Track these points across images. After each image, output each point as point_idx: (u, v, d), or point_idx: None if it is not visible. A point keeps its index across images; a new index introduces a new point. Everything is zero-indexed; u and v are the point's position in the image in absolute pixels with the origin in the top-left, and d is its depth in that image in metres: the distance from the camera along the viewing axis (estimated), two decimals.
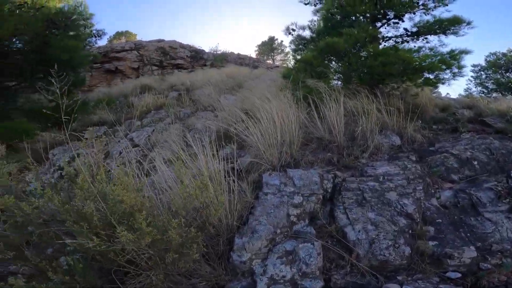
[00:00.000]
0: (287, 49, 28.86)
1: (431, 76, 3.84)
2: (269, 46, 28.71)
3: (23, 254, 1.60)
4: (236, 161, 3.08)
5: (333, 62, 4.77)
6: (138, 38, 18.46)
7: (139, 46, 13.83)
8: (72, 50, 5.84)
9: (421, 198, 2.22)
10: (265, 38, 29.73)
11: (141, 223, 1.29)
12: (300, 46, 6.15)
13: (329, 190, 2.30)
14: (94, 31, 7.60)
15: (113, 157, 4.16)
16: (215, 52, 17.66)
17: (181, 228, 1.52)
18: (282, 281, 1.68)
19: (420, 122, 3.61)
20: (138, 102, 5.68)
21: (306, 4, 5.80)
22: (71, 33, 6.11)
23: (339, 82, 4.65)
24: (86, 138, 4.79)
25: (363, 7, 4.16)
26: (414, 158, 2.77)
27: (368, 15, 4.40)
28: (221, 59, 16.17)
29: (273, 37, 28.93)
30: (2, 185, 2.53)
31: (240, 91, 6.43)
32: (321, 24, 5.36)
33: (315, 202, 2.15)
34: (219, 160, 2.69)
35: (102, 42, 15.09)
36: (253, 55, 24.15)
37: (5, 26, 4.98)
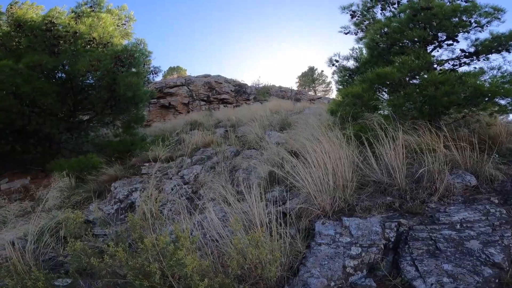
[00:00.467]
0: (329, 79, 28.91)
1: (504, 102, 3.38)
2: (309, 77, 29.09)
3: None
4: (284, 204, 3.02)
5: (385, 94, 4.52)
6: (188, 73, 20.29)
7: (188, 82, 15.18)
8: (135, 88, 6.47)
9: (510, 245, 1.92)
10: (305, 69, 30.25)
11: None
12: (346, 77, 6.00)
13: (392, 240, 2.13)
14: (151, 68, 8.33)
15: (165, 192, 4.39)
16: (257, 86, 18.51)
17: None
18: None
19: (497, 156, 3.15)
20: (189, 139, 6.09)
21: (346, 33, 5.82)
22: (134, 70, 6.78)
23: (394, 116, 4.35)
24: (144, 174, 5.23)
25: (412, 33, 3.96)
26: (496, 201, 2.43)
27: (417, 39, 4.16)
28: (263, 93, 16.84)
29: (313, 67, 29.35)
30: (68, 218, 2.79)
31: (284, 127, 6.53)
32: (366, 54, 5.23)
33: (375, 253, 2.01)
34: (266, 203, 2.66)
35: (157, 77, 16.93)
36: (294, 87, 24.62)
37: (81, 62, 5.83)
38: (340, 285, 1.83)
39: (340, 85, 6.00)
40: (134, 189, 4.53)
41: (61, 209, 4.03)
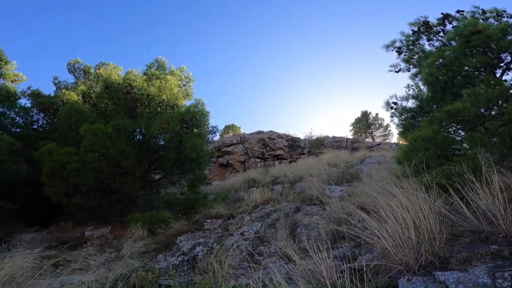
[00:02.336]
0: (386, 122, 27.31)
1: None
2: (364, 122, 27.97)
3: None
4: (355, 260, 2.72)
5: (460, 132, 4.02)
6: (242, 130, 21.52)
7: (243, 139, 16.14)
8: (199, 149, 6.87)
9: None
10: (358, 114, 29.41)
11: None
12: (408, 120, 5.57)
13: None
14: (210, 128, 8.80)
15: (226, 248, 4.41)
16: (310, 138, 18.59)
17: None
18: None
19: None
20: (247, 197, 6.22)
21: (397, 72, 5.58)
22: (196, 131, 7.15)
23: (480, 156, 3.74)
24: (206, 229, 5.40)
25: (472, 60, 3.63)
26: None
27: (480, 66, 3.76)
28: (317, 145, 16.78)
29: (366, 111, 28.35)
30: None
31: (345, 180, 6.23)
32: (426, 90, 4.90)
33: None
34: (333, 260, 2.43)
35: (215, 137, 18.37)
36: (349, 135, 23.93)
37: (154, 125, 6.57)
38: None
39: (401, 128, 5.63)
40: (197, 243, 4.69)
41: (134, 258, 4.34)
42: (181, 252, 4.54)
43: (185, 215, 6.31)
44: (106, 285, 2.80)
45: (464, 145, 3.81)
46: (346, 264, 2.22)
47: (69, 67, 10.01)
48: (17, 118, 8.42)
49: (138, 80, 7.40)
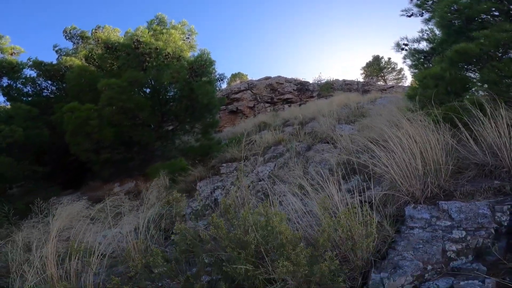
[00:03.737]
0: (399, 66, 25.97)
1: None
2: (376, 66, 26.68)
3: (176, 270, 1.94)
4: (364, 192, 2.91)
5: (471, 72, 3.95)
6: (249, 77, 20.98)
7: (251, 86, 15.84)
8: (210, 96, 7.14)
9: None
10: (369, 59, 27.80)
11: (298, 255, 1.39)
12: (421, 60, 5.45)
13: (505, 224, 1.85)
14: (217, 76, 8.89)
15: (243, 189, 4.71)
16: (319, 82, 18.01)
17: (331, 261, 1.54)
18: None
19: None
20: (259, 139, 6.37)
21: (409, 16, 5.35)
22: (204, 79, 7.41)
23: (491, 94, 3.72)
24: (223, 173, 5.73)
25: (485, 6, 3.40)
26: None
27: (498, 13, 3.60)
28: (327, 88, 16.30)
29: (378, 55, 26.79)
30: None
31: (356, 119, 6.21)
32: (440, 34, 4.66)
33: (484, 237, 1.78)
34: (345, 192, 2.60)
35: (223, 85, 18.06)
36: (360, 78, 23.00)
37: (165, 75, 6.69)
38: (439, 269, 1.67)
39: (415, 69, 5.55)
40: (216, 187, 5.01)
41: (160, 205, 4.76)
42: (202, 197, 4.89)
43: (201, 162, 6.63)
44: (139, 229, 3.12)
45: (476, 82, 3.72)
46: (357, 196, 2.37)
47: (66, 34, 10.11)
48: (25, 88, 8.59)
49: (145, 36, 7.50)
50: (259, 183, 4.71)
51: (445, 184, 2.50)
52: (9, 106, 8.09)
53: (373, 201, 2.40)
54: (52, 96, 8.92)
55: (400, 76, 25.80)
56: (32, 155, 7.18)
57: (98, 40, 8.50)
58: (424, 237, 1.83)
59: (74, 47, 10.17)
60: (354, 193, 2.65)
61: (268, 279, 1.65)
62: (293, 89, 15.95)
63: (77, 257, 2.33)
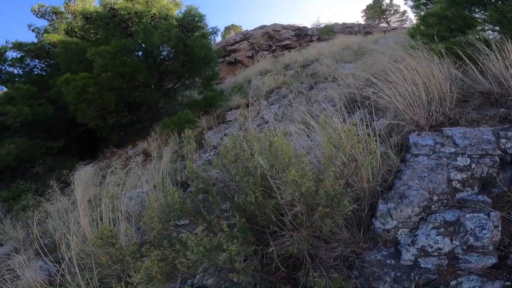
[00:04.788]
0: (403, 8, 23.97)
1: None
2: (377, 9, 24.61)
3: (201, 216, 2.00)
4: (370, 125, 2.95)
5: (475, 13, 3.73)
6: (244, 28, 19.76)
7: (247, 36, 14.91)
8: (206, 48, 6.94)
9: None
10: (369, 1, 25.48)
11: (303, 168, 1.44)
12: (423, 1, 5.07)
13: (510, 151, 1.78)
14: (209, 29, 8.54)
15: (249, 133, 4.78)
16: (318, 26, 16.89)
17: (335, 180, 1.52)
18: (436, 253, 1.46)
19: None
20: (261, 84, 6.23)
21: None
22: (196, 33, 7.17)
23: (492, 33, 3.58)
24: (229, 121, 5.75)
25: None
26: None
27: None
28: (327, 31, 15.28)
29: None
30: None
31: (358, 58, 5.95)
32: None
33: (489, 165, 1.72)
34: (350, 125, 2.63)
35: (218, 38, 17.05)
36: (361, 21, 21.43)
37: (155, 35, 6.40)
38: (445, 200, 1.64)
39: (417, 9, 5.18)
40: (224, 135, 5.07)
41: (173, 162, 4.87)
42: (212, 147, 4.93)
43: (206, 113, 6.61)
44: (157, 187, 3.17)
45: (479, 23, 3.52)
46: (359, 125, 2.38)
47: (36, 13, 9.78)
48: (15, 70, 8.56)
49: (119, 2, 7.00)
50: (265, 125, 4.76)
51: (449, 112, 2.43)
52: (4, 90, 8.05)
53: (377, 132, 2.43)
54: (44, 73, 8.87)
55: (403, 18, 24.02)
56: (42, 132, 7.30)
57: (75, 13, 8.17)
58: (429, 165, 1.78)
59: (50, 23, 9.88)
60: (359, 125, 2.69)
61: (277, 208, 1.63)
62: (291, 35, 14.97)
63: (109, 205, 2.39)
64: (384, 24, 21.46)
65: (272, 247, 1.57)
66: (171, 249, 1.46)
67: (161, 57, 7.55)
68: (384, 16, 24.54)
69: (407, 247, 1.53)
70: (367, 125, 2.80)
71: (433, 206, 1.64)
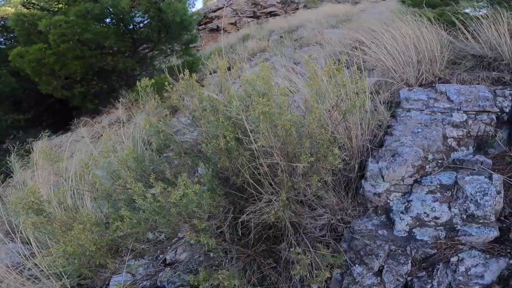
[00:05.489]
0: None
1: None
2: None
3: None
4: (357, 84, 2.76)
5: None
6: None
7: (230, 3, 13.92)
8: (182, 13, 6.42)
9: None
10: None
11: (280, 105, 1.17)
12: None
13: (507, 110, 1.63)
14: None
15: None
16: None
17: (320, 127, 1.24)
18: (433, 223, 1.29)
19: None
20: (244, 49, 5.78)
21: None
22: None
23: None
24: (210, 84, 5.35)
25: None
26: None
27: None
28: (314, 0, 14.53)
29: None
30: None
31: (345, 25, 5.62)
32: None
33: (486, 122, 1.57)
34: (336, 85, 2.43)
35: (198, 5, 15.79)
36: None
37: (123, 1, 5.77)
38: (440, 160, 1.46)
39: None
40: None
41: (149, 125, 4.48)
42: (191, 110, 4.59)
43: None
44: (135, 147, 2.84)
45: None
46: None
47: None
48: None
49: None
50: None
51: (440, 73, 2.33)
52: None
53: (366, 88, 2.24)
54: (3, 47, 8.23)
55: None
56: (8, 105, 6.89)
57: None
58: (422, 120, 1.60)
59: None
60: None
61: (255, 167, 1.33)
62: (277, 2, 14.09)
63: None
64: None
65: (246, 215, 1.31)
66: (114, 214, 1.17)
67: (134, 23, 6.91)
68: None
69: (401, 215, 1.36)
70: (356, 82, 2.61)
71: (427, 167, 1.46)
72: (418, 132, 1.55)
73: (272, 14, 13.28)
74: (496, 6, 2.69)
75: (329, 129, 1.37)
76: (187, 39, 7.23)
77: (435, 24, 2.69)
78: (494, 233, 1.22)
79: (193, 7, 10.50)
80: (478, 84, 2.05)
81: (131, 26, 6.79)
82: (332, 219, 1.47)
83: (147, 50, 7.47)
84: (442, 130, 1.54)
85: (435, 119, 1.59)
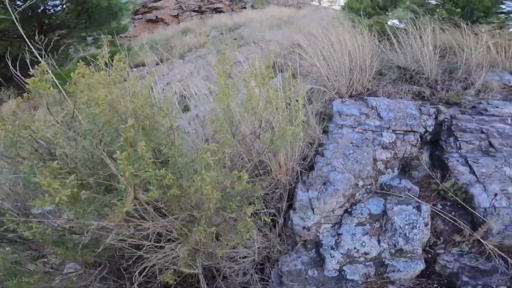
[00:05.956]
0: None
1: None
2: None
3: None
4: (291, 89, 2.52)
5: None
6: None
7: None
8: None
9: None
10: None
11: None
12: None
13: (431, 130, 1.57)
14: None
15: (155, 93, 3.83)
16: None
17: (222, 170, 0.87)
18: (362, 259, 1.17)
19: None
20: (179, 43, 5.15)
21: None
22: None
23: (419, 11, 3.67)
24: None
25: None
26: None
27: None
28: (261, 1, 14.48)
29: None
30: None
31: (288, 27, 5.47)
32: None
33: (412, 143, 1.47)
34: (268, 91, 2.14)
35: None
36: None
37: None
38: (369, 185, 1.32)
39: None
40: None
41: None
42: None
43: (106, 70, 5.19)
44: None
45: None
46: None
47: None
48: None
49: None
50: (177, 83, 3.86)
51: (368, 83, 2.25)
52: None
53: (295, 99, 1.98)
54: None
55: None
56: None
57: None
58: (354, 139, 1.43)
59: None
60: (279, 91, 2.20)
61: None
62: None
63: None
64: (315, 3, 22.10)
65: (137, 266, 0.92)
66: None
67: (47, 6, 5.63)
68: None
69: (331, 251, 1.19)
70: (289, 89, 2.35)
71: (357, 194, 1.30)
72: (350, 154, 1.37)
73: (218, 11, 12.71)
74: (423, 16, 2.76)
75: (254, 158, 0.99)
76: (115, 28, 6.18)
77: (369, 32, 2.65)
78: (421, 266, 1.15)
79: None
80: (402, 97, 2.01)
81: (40, 10, 5.47)
82: (256, 258, 1.20)
83: (58, 37, 6.17)
84: (372, 152, 1.39)
85: (366, 138, 1.44)
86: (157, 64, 4.42)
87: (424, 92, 2.12)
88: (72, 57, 6.05)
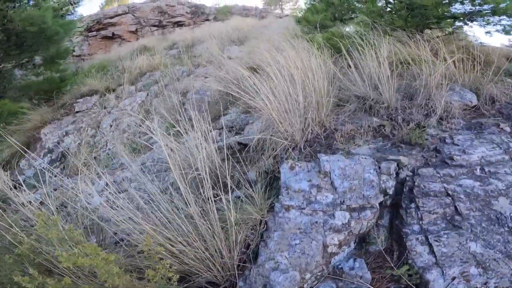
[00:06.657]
0: None
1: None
2: None
3: None
4: (241, 131, 2.23)
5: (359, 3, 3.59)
6: (132, 0, 16.49)
7: (133, 9, 12.20)
8: (40, 21, 4.81)
9: None
10: None
11: None
12: None
13: (391, 192, 1.36)
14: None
15: (103, 130, 3.36)
16: (217, 6, 15.65)
17: None
18: None
19: (490, 74, 2.51)
20: (132, 65, 4.69)
21: None
22: (31, 2, 4.98)
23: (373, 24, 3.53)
24: (78, 112, 4.04)
25: None
26: (508, 129, 1.75)
27: None
28: (224, 12, 14.21)
29: None
30: None
31: (246, 42, 5.21)
32: None
33: (369, 219, 1.24)
34: (219, 131, 1.84)
35: (95, 9, 13.41)
36: (260, 5, 21.58)
37: None
38: (319, 273, 1.11)
39: None
40: (65, 133, 3.44)
41: None
42: (47, 150, 3.29)
43: (48, 101, 4.58)
44: None
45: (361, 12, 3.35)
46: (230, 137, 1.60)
47: None
48: None
49: None
50: (126, 119, 3.43)
51: (326, 120, 2.01)
52: None
53: (243, 143, 1.69)
54: None
55: (296, 7, 25.88)
56: None
57: None
58: (302, 224, 1.20)
59: None
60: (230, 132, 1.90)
61: None
62: (186, 12, 13.10)
63: None
64: (278, 11, 22.32)
65: None
66: None
67: None
68: (281, 3, 25.80)
69: None
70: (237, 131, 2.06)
71: (305, 286, 1.07)
72: (296, 245, 1.13)
73: (179, 24, 12.21)
74: (379, 26, 2.59)
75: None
76: (54, 52, 5.47)
77: (323, 51, 2.42)
78: None
79: (72, 13, 8.34)
80: (361, 138, 1.81)
81: None
82: None
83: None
84: (322, 238, 1.16)
85: (316, 222, 1.19)
86: (108, 92, 3.94)
87: (384, 128, 1.93)
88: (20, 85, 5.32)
